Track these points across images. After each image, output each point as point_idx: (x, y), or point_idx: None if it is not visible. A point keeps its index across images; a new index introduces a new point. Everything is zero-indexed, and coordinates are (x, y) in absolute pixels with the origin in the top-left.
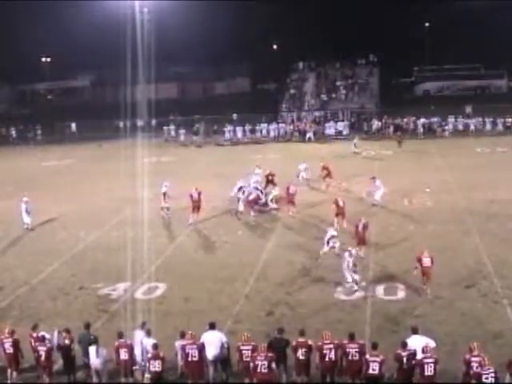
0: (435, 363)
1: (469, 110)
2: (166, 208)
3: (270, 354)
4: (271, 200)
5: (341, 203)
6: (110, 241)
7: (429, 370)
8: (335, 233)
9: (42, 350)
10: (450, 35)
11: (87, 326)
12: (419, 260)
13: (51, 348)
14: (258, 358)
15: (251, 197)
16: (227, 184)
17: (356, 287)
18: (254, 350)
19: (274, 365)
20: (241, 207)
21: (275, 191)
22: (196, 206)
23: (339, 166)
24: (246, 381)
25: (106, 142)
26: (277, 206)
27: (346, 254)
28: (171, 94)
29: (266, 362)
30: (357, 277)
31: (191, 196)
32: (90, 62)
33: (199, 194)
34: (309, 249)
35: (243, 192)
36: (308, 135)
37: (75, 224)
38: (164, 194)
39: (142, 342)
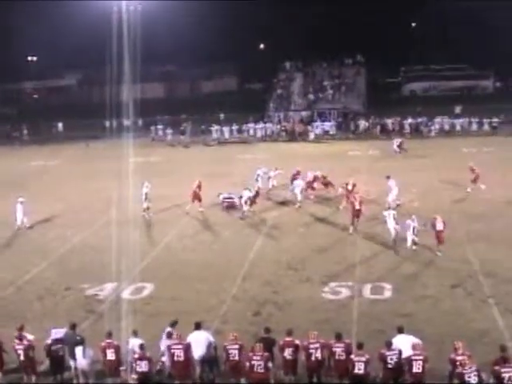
0: (424, 361)
1: (458, 110)
2: (147, 208)
3: (266, 354)
4: (245, 202)
5: (357, 205)
6: (97, 241)
7: (417, 368)
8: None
9: (20, 349)
10: (436, 36)
11: (73, 327)
12: (433, 225)
13: (29, 346)
14: (254, 357)
15: (225, 204)
16: (215, 184)
17: (415, 247)
18: (240, 349)
19: (270, 364)
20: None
21: (249, 192)
22: (196, 197)
23: (329, 166)
24: (233, 381)
25: (93, 141)
26: (249, 208)
27: (409, 220)
28: (158, 93)
29: (262, 362)
30: (416, 239)
31: (193, 187)
32: (77, 62)
33: (199, 186)
34: (295, 249)
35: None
36: (309, 135)
37: (62, 224)
38: (145, 194)
39: (128, 343)
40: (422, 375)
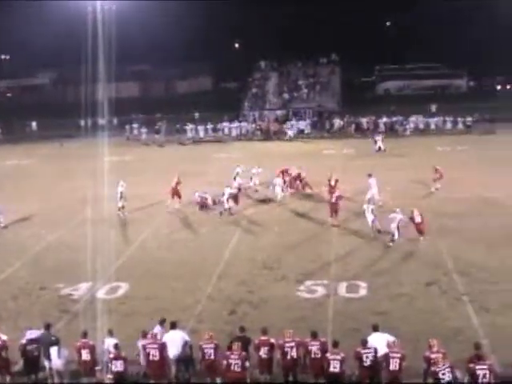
0: (401, 359)
1: (434, 108)
2: (122, 207)
3: (244, 353)
4: (227, 199)
5: (333, 199)
6: (71, 240)
7: (394, 365)
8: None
9: None
10: (410, 35)
11: (48, 327)
12: (411, 219)
13: (3, 346)
14: (232, 356)
15: (198, 203)
16: (190, 183)
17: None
18: (216, 348)
19: (247, 364)
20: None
21: (230, 190)
22: (175, 194)
23: (304, 165)
24: (209, 380)
25: (68, 140)
26: (230, 205)
27: (394, 214)
28: (133, 92)
29: (239, 361)
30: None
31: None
32: (51, 61)
33: (178, 182)
34: (271, 247)
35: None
36: (288, 133)
37: (37, 223)
38: (120, 193)
39: (104, 343)
40: (399, 373)
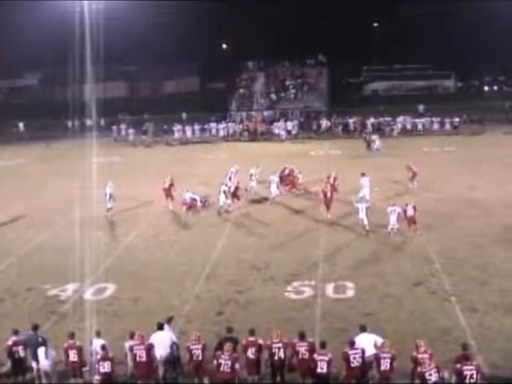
0: (392, 359)
1: (421, 109)
2: (110, 208)
3: (235, 355)
4: (225, 197)
5: (328, 194)
6: (59, 241)
7: (385, 365)
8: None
9: None
10: (398, 36)
11: (35, 328)
12: (404, 211)
13: None
14: (222, 357)
15: (186, 204)
16: (177, 184)
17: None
18: (204, 349)
19: (237, 365)
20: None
21: (226, 187)
22: (167, 194)
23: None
24: (196, 381)
25: (55, 141)
26: (228, 202)
27: (391, 207)
28: (120, 93)
29: (229, 362)
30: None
31: (164, 183)
32: (38, 61)
33: (170, 184)
34: (259, 248)
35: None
36: (282, 135)
37: (24, 224)
38: (109, 194)
39: (91, 344)
40: (390, 373)
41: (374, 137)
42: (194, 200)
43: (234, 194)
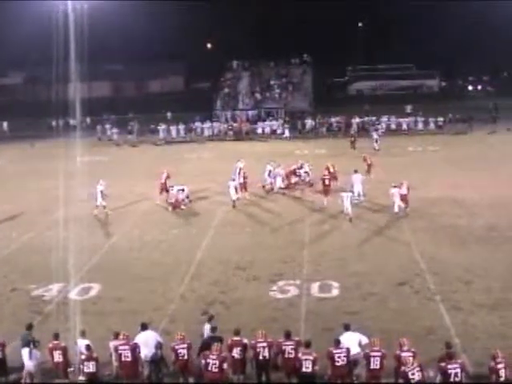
0: (382, 357)
1: (409, 109)
2: (103, 206)
3: (224, 355)
4: (235, 190)
5: (327, 182)
6: (43, 241)
7: (375, 364)
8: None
9: None
10: (383, 36)
11: (28, 327)
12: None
13: None
14: (211, 356)
15: (172, 200)
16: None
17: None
18: (189, 348)
19: (225, 365)
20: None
21: (233, 182)
22: (163, 189)
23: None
24: (182, 380)
25: (39, 141)
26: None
27: (393, 189)
28: (104, 92)
29: (217, 362)
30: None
31: (160, 178)
32: (22, 60)
33: (166, 177)
34: (244, 247)
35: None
36: (285, 134)
37: (7, 225)
38: (101, 192)
39: (76, 344)
40: (380, 371)
41: (375, 136)
42: (182, 190)
43: (243, 187)
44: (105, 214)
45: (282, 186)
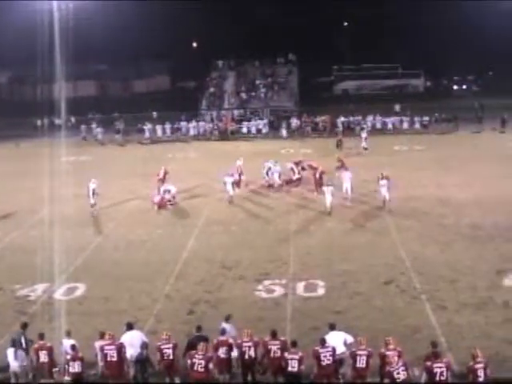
0: (368, 356)
1: (397, 108)
2: (93, 205)
3: (209, 355)
4: (232, 187)
5: (318, 175)
6: (28, 241)
7: (361, 363)
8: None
9: None
10: (368, 35)
11: (23, 327)
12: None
13: None
14: (196, 356)
15: (156, 199)
16: (148, 183)
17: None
18: (175, 348)
19: (211, 365)
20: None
21: (229, 178)
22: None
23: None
24: (168, 380)
25: (24, 140)
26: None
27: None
28: (90, 91)
29: (203, 362)
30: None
31: (158, 174)
32: (7, 59)
33: (165, 173)
34: (229, 247)
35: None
36: (283, 133)
37: None
38: (93, 190)
39: (61, 344)
40: (366, 370)
41: (364, 135)
42: (168, 191)
43: (238, 184)
44: (95, 213)
45: (280, 182)
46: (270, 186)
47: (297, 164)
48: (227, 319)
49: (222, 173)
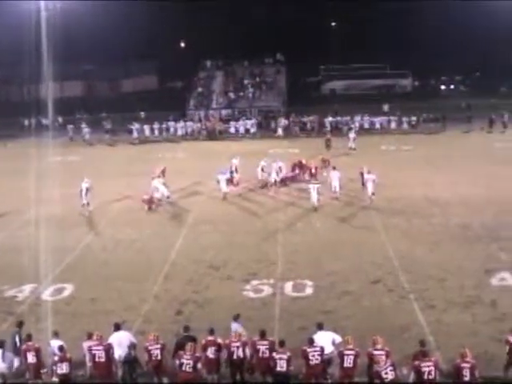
0: (355, 356)
1: (386, 108)
2: (86, 204)
3: (197, 355)
4: (226, 184)
5: (313, 170)
6: (15, 242)
7: (348, 362)
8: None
9: None
10: (356, 35)
11: (19, 325)
12: (361, 174)
13: None
14: (185, 356)
15: (145, 197)
16: (136, 182)
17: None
18: (162, 348)
19: (199, 366)
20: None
21: (222, 175)
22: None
23: (251, 163)
24: (156, 380)
25: (11, 140)
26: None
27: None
28: (77, 92)
29: (191, 362)
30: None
31: (154, 172)
32: None
33: (163, 171)
34: (217, 247)
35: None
36: (279, 131)
37: None
38: (87, 189)
39: (49, 344)
40: (353, 370)
41: (352, 135)
42: (157, 190)
43: (231, 181)
44: (86, 214)
45: (277, 179)
46: (264, 184)
47: (295, 166)
48: (236, 318)
49: (215, 170)
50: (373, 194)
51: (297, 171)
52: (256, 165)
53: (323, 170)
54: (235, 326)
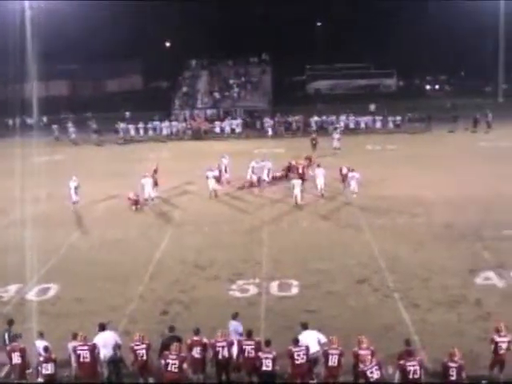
0: (340, 355)
1: (372, 108)
2: (75, 202)
3: (183, 355)
4: (216, 181)
5: (300, 170)
6: (0, 241)
7: (332, 361)
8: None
9: None
10: (341, 35)
11: (10, 323)
12: (340, 170)
13: None
14: (170, 356)
15: (131, 196)
16: (122, 182)
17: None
18: (148, 348)
19: (185, 366)
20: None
21: (212, 172)
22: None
23: (237, 163)
24: (141, 381)
25: None
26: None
27: (350, 173)
28: (62, 91)
29: (177, 362)
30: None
31: (146, 171)
32: None
33: (155, 170)
34: (203, 247)
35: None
36: (269, 131)
37: None
38: (75, 188)
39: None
40: (338, 369)
41: (337, 136)
42: (143, 188)
43: (218, 179)
44: (75, 210)
45: (267, 179)
46: (252, 184)
47: (288, 169)
48: (234, 317)
49: (203, 169)
50: (355, 191)
51: (290, 174)
52: (244, 164)
53: (309, 168)
54: (234, 325)
